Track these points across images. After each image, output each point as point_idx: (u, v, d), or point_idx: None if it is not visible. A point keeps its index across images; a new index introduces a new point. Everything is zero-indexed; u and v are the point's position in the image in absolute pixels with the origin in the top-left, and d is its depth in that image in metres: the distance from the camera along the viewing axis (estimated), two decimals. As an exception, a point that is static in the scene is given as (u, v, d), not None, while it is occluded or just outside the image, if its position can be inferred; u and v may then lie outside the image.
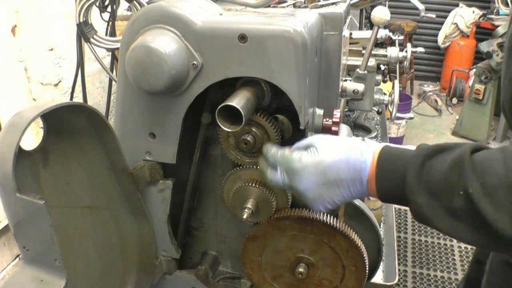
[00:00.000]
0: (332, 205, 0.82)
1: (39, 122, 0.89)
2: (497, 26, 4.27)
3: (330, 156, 0.78)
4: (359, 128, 1.94)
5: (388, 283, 1.33)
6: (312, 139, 0.84)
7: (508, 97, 0.91)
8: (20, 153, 0.82)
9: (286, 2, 1.28)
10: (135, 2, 1.51)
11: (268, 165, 0.87)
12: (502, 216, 0.62)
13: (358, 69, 1.27)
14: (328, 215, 1.02)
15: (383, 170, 0.76)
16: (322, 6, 1.19)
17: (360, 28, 2.02)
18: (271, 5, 1.18)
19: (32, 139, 2.03)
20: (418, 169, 0.71)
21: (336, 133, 1.01)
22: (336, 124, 1.01)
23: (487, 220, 0.64)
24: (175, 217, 1.22)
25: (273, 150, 0.86)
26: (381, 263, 1.30)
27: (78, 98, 2.14)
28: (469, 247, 2.81)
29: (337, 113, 1.02)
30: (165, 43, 0.86)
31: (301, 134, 1.00)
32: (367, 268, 1.04)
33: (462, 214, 0.67)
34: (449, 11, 5.51)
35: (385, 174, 0.76)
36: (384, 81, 1.79)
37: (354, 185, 0.78)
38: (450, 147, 0.72)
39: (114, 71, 1.96)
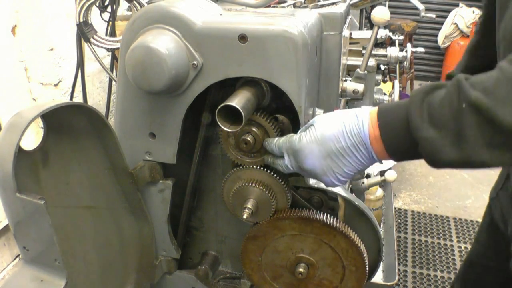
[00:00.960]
0: (344, 176, 0.83)
1: (39, 122, 0.89)
2: (497, 26, 4.27)
3: (328, 129, 0.80)
4: (359, 128, 1.94)
5: (388, 283, 1.33)
6: (312, 119, 0.86)
7: None
8: (20, 153, 0.81)
9: (286, 2, 1.28)
10: (135, 2, 1.51)
11: (274, 156, 0.93)
12: (509, 109, 0.62)
13: (358, 69, 1.26)
14: (328, 215, 1.02)
15: (385, 122, 0.76)
16: (322, 6, 1.19)
17: (360, 28, 2.02)
18: (271, 5, 1.18)
19: (32, 139, 2.04)
20: (419, 106, 0.71)
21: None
22: (336, 124, 1.01)
23: (497, 117, 0.63)
24: (175, 217, 1.22)
25: (275, 140, 0.91)
26: (381, 263, 1.30)
27: (78, 98, 2.14)
28: (469, 247, 2.81)
29: (337, 113, 1.02)
30: (165, 43, 0.86)
31: (301, 134, 1.00)
32: (367, 268, 1.04)
33: (471, 132, 0.66)
34: (449, 11, 5.51)
35: (388, 125, 0.76)
36: (384, 81, 1.79)
37: (358, 150, 0.79)
38: (444, 83, 0.73)
39: (114, 71, 1.96)
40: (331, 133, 0.79)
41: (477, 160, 0.67)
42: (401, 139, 0.75)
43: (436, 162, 0.72)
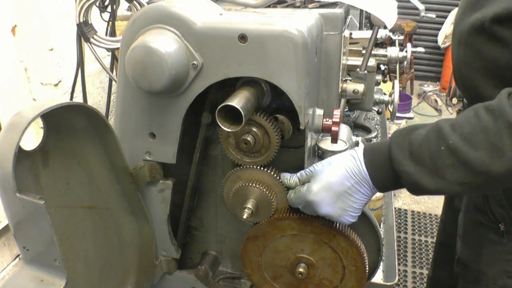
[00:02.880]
0: (356, 211, 0.92)
1: (39, 122, 0.89)
2: (497, 26, 4.26)
3: (332, 175, 0.89)
4: (359, 128, 1.94)
5: (388, 283, 1.32)
6: (312, 169, 0.95)
7: None
8: (20, 153, 0.82)
9: (286, 2, 1.28)
10: (135, 2, 1.51)
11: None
12: (482, 154, 0.74)
13: (358, 69, 1.26)
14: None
15: (370, 160, 0.88)
16: (322, 6, 1.19)
17: (360, 28, 2.01)
18: (271, 5, 1.18)
19: (32, 139, 2.04)
20: (400, 144, 0.83)
21: (336, 133, 1.01)
22: (336, 124, 1.01)
23: (469, 161, 0.75)
24: (175, 217, 1.22)
25: (287, 196, 1.00)
26: (381, 263, 1.30)
27: (78, 98, 2.14)
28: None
29: (337, 113, 1.02)
30: (165, 43, 0.86)
31: (301, 134, 1.00)
32: (367, 268, 1.04)
33: (448, 170, 0.78)
34: (449, 11, 5.51)
35: (373, 163, 0.87)
36: (384, 81, 1.78)
37: (362, 187, 0.89)
38: (423, 124, 0.85)
39: (114, 71, 1.96)
40: (336, 178, 0.89)
41: (451, 191, 0.81)
42: (384, 173, 0.86)
43: (415, 192, 0.85)
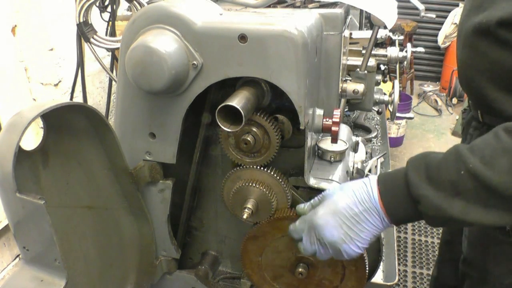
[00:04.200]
0: (362, 242, 0.86)
1: (39, 122, 0.89)
2: (497, 26, 4.25)
3: (340, 199, 0.85)
4: (359, 128, 1.94)
5: (388, 283, 1.32)
6: (323, 193, 0.92)
7: None
8: (20, 153, 0.81)
9: (286, 2, 1.28)
10: (135, 2, 1.51)
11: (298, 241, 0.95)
12: (505, 178, 0.69)
13: (358, 69, 1.26)
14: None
15: (385, 186, 0.82)
16: (322, 6, 1.19)
17: (360, 28, 2.01)
18: (271, 5, 1.18)
19: (32, 139, 2.04)
20: (417, 169, 0.78)
21: (336, 133, 1.01)
22: (336, 124, 1.01)
23: (492, 185, 0.70)
24: (175, 217, 1.22)
25: (294, 226, 0.94)
26: (381, 263, 1.30)
27: (78, 98, 2.14)
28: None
29: (337, 113, 1.02)
30: (165, 43, 0.86)
31: (301, 134, 1.00)
32: (367, 268, 1.04)
33: (468, 195, 0.72)
34: (449, 11, 5.51)
35: (388, 189, 0.82)
36: (384, 81, 1.78)
37: (371, 215, 0.83)
38: (438, 152, 0.80)
39: (114, 71, 1.96)
40: (344, 203, 0.84)
41: (473, 218, 0.74)
42: (399, 200, 0.80)
43: (436, 219, 0.78)
